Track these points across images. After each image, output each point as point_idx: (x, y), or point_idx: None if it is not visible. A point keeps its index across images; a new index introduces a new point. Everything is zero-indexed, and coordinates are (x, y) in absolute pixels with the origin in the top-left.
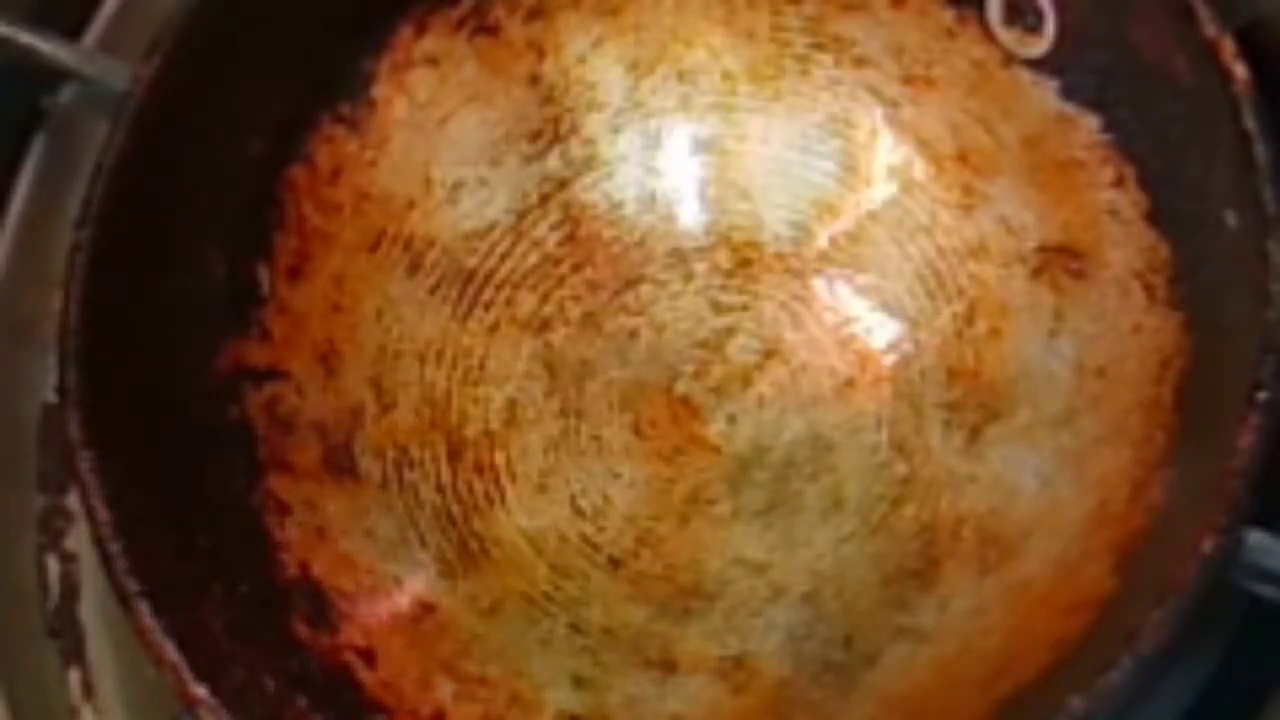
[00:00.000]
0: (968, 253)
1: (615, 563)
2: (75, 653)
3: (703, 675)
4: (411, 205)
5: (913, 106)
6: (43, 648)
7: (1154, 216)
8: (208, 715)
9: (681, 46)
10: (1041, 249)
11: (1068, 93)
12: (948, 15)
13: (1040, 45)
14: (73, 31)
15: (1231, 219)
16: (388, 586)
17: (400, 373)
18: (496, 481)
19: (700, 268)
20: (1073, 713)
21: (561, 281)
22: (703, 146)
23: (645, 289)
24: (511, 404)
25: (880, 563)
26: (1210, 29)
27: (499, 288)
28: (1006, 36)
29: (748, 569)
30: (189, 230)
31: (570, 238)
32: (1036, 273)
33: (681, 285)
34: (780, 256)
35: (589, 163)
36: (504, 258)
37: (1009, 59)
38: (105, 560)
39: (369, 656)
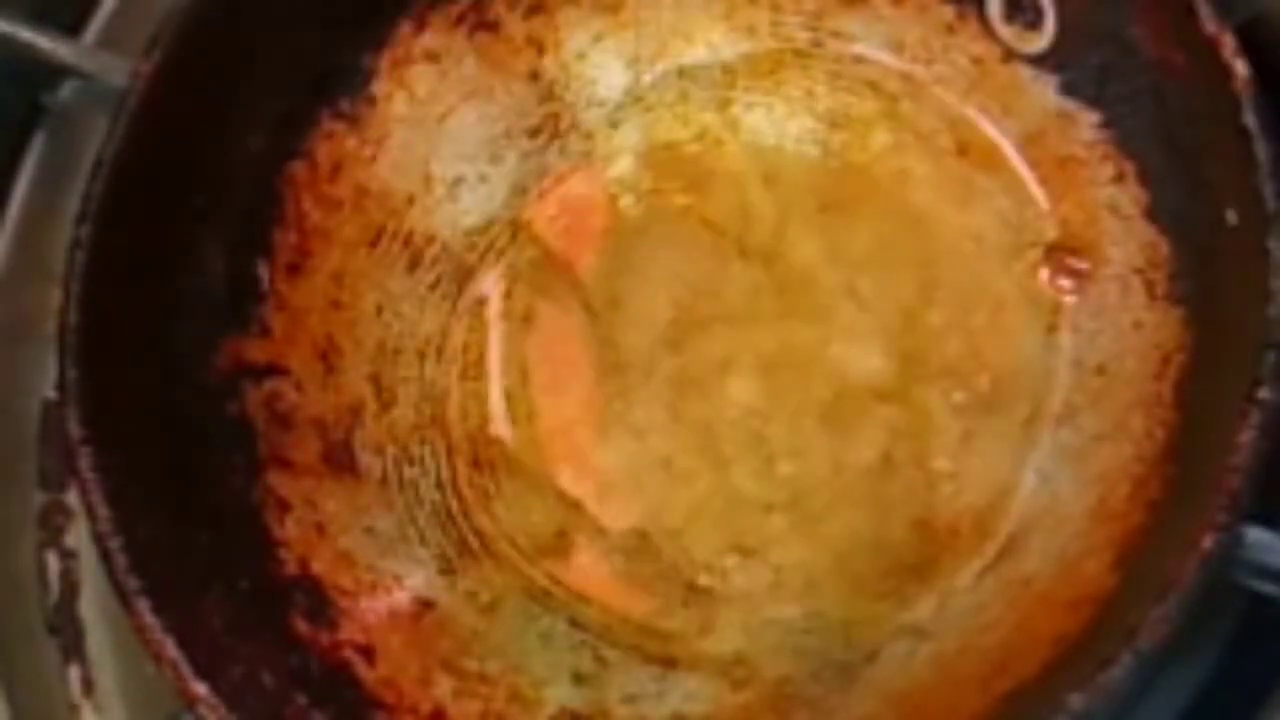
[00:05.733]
0: (965, 249)
1: (615, 558)
2: (75, 649)
3: (702, 671)
4: (411, 201)
5: (912, 101)
6: (42, 644)
7: (1154, 213)
8: (207, 712)
9: (682, 42)
10: (1040, 245)
11: (1067, 89)
12: (948, 11)
13: (1040, 41)
14: (72, 28)
15: (1232, 216)
16: (387, 583)
17: (400, 369)
18: (495, 477)
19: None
20: (1072, 710)
21: (560, 276)
22: (702, 141)
23: (643, 282)
24: (510, 399)
25: (879, 558)
26: (1210, 25)
27: (498, 283)
28: (1006, 32)
29: (746, 564)
30: (189, 227)
31: (569, 232)
32: (1035, 269)
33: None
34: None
35: (588, 158)
36: (503, 253)
37: (1009, 55)
38: (105, 557)
39: (368, 653)
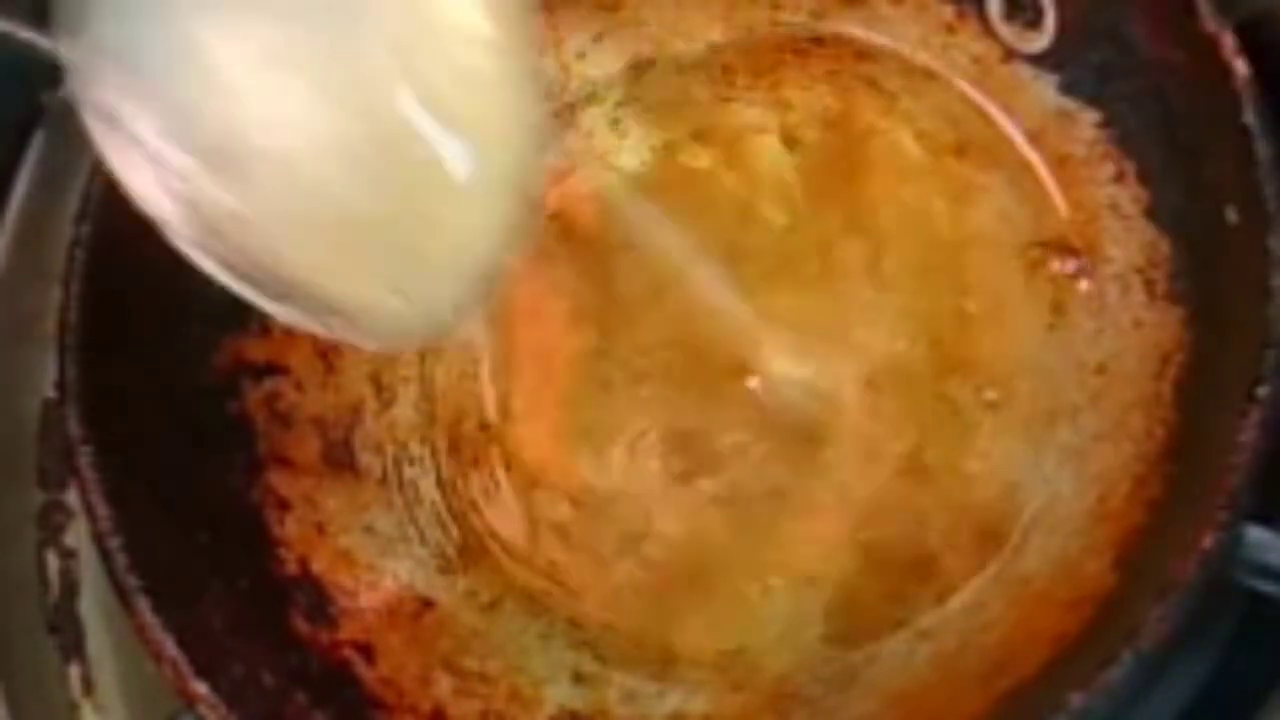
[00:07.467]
0: (965, 246)
1: (614, 557)
2: (75, 648)
3: (702, 671)
4: None
5: (912, 100)
6: (42, 643)
7: (1154, 212)
8: (207, 711)
9: (681, 41)
10: (1040, 244)
11: (1067, 88)
12: (947, 10)
13: (1040, 40)
14: None
15: (1232, 214)
16: (387, 582)
17: (400, 368)
18: (494, 476)
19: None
20: (1072, 709)
21: (559, 275)
22: (701, 139)
23: (641, 279)
24: (510, 399)
25: (878, 557)
26: (1210, 24)
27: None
28: (1006, 32)
29: (746, 564)
30: None
31: (568, 231)
32: (1035, 267)
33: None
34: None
35: (588, 156)
36: None
37: (1009, 54)
38: (105, 556)
39: (368, 652)
